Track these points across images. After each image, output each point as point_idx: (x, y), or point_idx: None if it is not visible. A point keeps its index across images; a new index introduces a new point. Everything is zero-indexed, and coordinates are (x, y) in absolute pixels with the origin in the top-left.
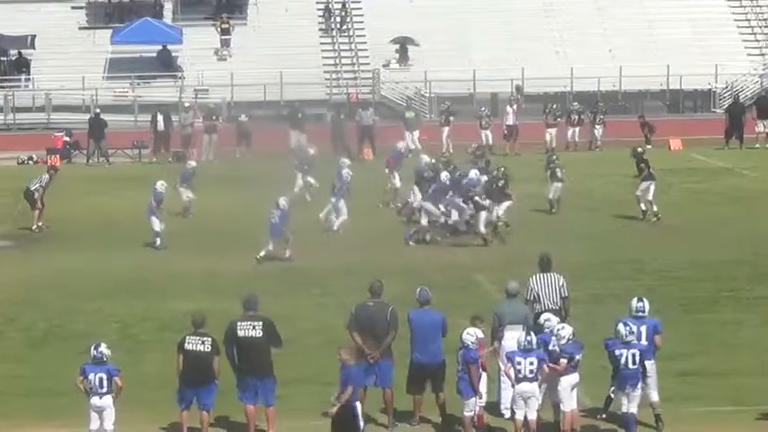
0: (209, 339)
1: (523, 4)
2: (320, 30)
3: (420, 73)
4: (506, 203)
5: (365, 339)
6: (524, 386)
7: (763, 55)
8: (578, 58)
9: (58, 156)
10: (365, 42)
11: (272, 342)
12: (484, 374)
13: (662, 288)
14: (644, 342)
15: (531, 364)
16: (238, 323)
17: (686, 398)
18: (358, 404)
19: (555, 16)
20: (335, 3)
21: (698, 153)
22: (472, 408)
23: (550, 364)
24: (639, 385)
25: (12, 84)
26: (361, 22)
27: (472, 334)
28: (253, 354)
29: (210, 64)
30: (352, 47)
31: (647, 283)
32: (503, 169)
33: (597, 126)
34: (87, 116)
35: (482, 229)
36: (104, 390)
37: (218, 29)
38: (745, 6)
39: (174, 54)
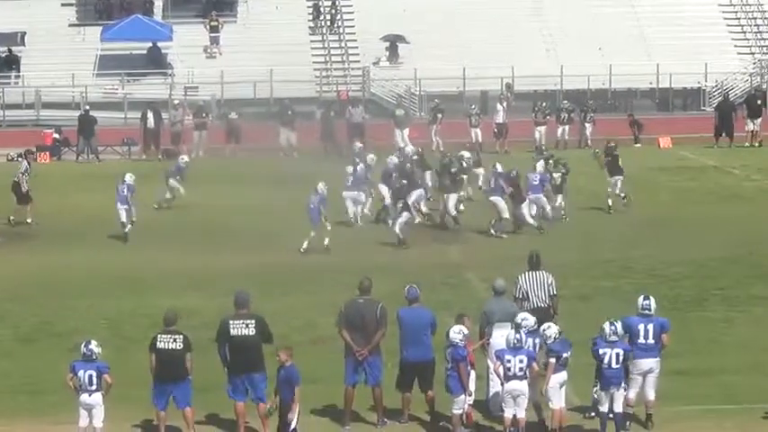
0: (181, 337)
1: (514, 3)
2: (310, 27)
3: (410, 71)
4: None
5: (354, 337)
6: (514, 384)
7: (752, 53)
8: (568, 57)
9: (47, 153)
10: (355, 40)
11: (264, 339)
12: (472, 372)
13: (651, 286)
14: (651, 341)
15: (521, 362)
16: (231, 321)
17: (675, 396)
18: (295, 408)
19: (545, 14)
20: (325, 0)
21: (687, 151)
22: (461, 405)
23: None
24: (622, 385)
25: (1, 81)
26: (352, 19)
27: (459, 332)
28: (246, 352)
29: (200, 61)
30: (342, 44)
31: (635, 282)
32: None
33: (587, 124)
34: (77, 113)
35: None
36: (94, 387)
37: (208, 26)
38: (734, 5)
39: (163, 51)
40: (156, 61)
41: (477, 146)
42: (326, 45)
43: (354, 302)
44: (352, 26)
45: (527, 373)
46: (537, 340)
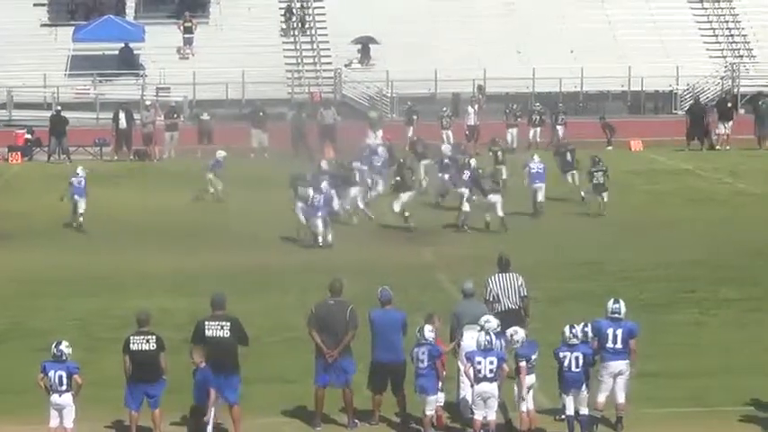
0: (154, 337)
1: (485, 5)
2: (282, 29)
3: (382, 73)
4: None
5: (324, 338)
6: (484, 386)
7: (724, 57)
8: (540, 59)
9: (19, 153)
10: (327, 41)
11: (239, 341)
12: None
13: (621, 289)
14: (619, 345)
15: (491, 363)
16: (207, 323)
17: (646, 399)
18: (212, 410)
19: (516, 17)
20: (297, 2)
21: (658, 154)
22: (434, 406)
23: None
24: (584, 388)
25: None
26: (323, 21)
27: (432, 330)
28: (220, 353)
29: (172, 62)
30: (314, 46)
31: (606, 284)
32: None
33: (558, 126)
34: (49, 114)
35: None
36: (64, 387)
37: (181, 27)
38: (706, 8)
39: (136, 52)
40: (128, 62)
41: (419, 139)
42: (298, 47)
43: (325, 304)
44: (324, 28)
45: (497, 375)
46: (503, 341)
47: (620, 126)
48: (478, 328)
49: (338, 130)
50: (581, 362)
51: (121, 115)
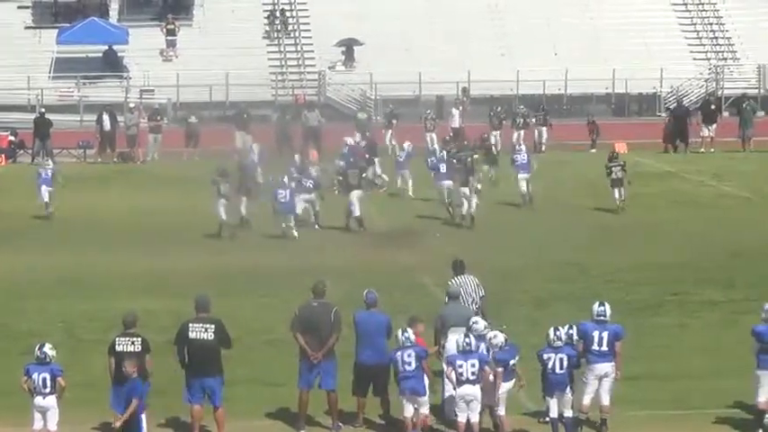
0: (139, 339)
1: (469, 7)
2: (266, 31)
3: (366, 75)
4: None
5: (308, 340)
6: (466, 389)
7: (708, 59)
8: (524, 61)
9: (2, 156)
10: (311, 44)
11: (222, 344)
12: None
13: (605, 291)
14: (605, 348)
15: (473, 366)
16: (190, 324)
17: (629, 401)
18: (143, 416)
19: (501, 19)
20: (281, 4)
21: (642, 156)
22: (428, 407)
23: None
24: (567, 390)
25: None
26: (307, 23)
27: (411, 333)
28: (203, 356)
29: (156, 65)
30: (298, 48)
31: (590, 286)
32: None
33: (542, 128)
34: (33, 116)
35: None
36: (48, 390)
37: (164, 30)
38: (690, 11)
39: (119, 54)
40: (112, 64)
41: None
42: (282, 49)
43: (309, 306)
44: (308, 30)
45: (479, 378)
46: (484, 344)
47: (605, 128)
48: (464, 330)
49: (323, 133)
50: (565, 364)
51: (105, 117)
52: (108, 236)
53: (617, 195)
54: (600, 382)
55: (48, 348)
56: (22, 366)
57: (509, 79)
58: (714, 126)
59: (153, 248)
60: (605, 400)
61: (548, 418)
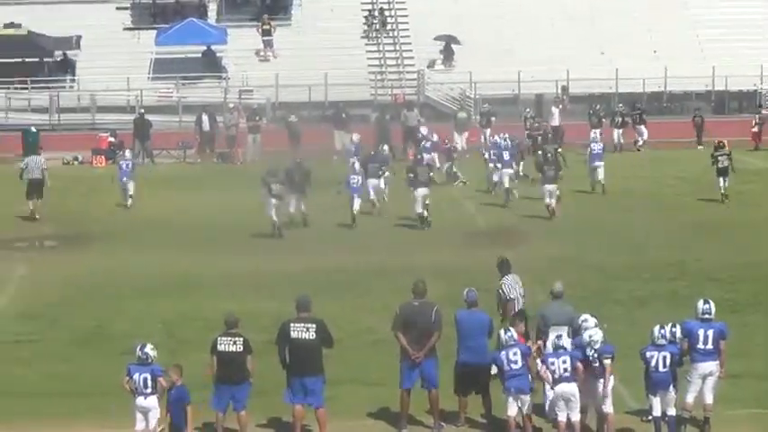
0: (241, 339)
1: (568, 5)
2: (364, 30)
3: (465, 74)
4: None
5: (410, 340)
6: (563, 387)
7: None
8: (623, 60)
9: (102, 156)
10: (410, 42)
11: (324, 343)
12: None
13: (706, 290)
14: (710, 346)
15: (564, 362)
16: (292, 324)
17: (730, 400)
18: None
19: (600, 17)
20: (380, 3)
21: (744, 154)
22: (530, 405)
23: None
24: (671, 388)
25: (57, 85)
26: (406, 22)
27: (514, 331)
28: (305, 355)
29: (255, 65)
30: (397, 47)
31: (690, 285)
32: None
33: (640, 127)
34: (132, 117)
35: None
36: (149, 390)
37: (260, 30)
38: None
39: (218, 55)
40: (210, 65)
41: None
42: (381, 48)
43: (410, 305)
44: (407, 29)
45: (573, 375)
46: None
47: (706, 126)
48: (566, 329)
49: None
50: (668, 362)
51: (204, 118)
52: (207, 235)
53: (721, 184)
54: (704, 381)
55: (149, 349)
56: (122, 367)
57: (608, 77)
58: None
59: (251, 248)
60: (709, 399)
61: (650, 417)
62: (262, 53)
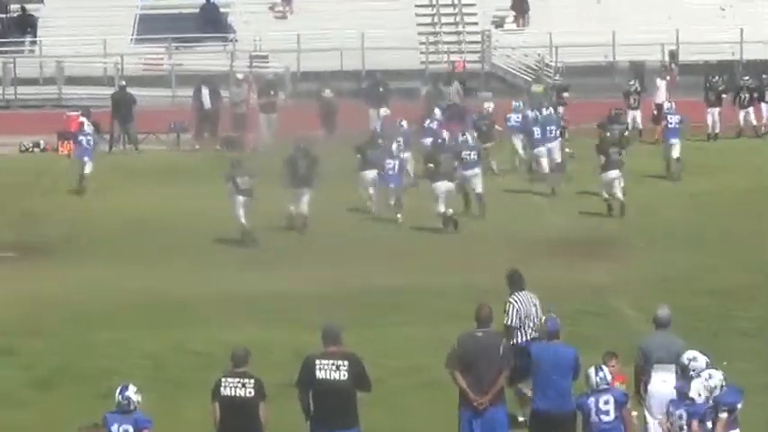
0: (252, 381)
1: None
2: None
3: (543, 35)
4: None
5: (471, 381)
6: None
7: None
8: (749, 19)
9: (71, 141)
10: None
11: (358, 385)
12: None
13: None
14: None
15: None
16: (318, 361)
17: None
18: None
19: None
20: None
21: None
22: None
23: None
24: None
25: (13, 48)
26: None
27: (607, 371)
28: (334, 401)
29: (269, 23)
30: (455, 1)
31: None
32: None
33: (761, 105)
34: (110, 91)
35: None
36: None
37: None
38: None
39: (222, 10)
40: (212, 23)
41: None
42: (435, 2)
43: (472, 336)
44: None
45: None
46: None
47: None
48: (672, 367)
49: (466, 110)
50: None
51: (204, 92)
52: (203, 246)
53: None
54: None
55: (131, 392)
56: (97, 415)
57: (730, 41)
58: None
59: (261, 262)
60: None
61: None
62: (278, 8)
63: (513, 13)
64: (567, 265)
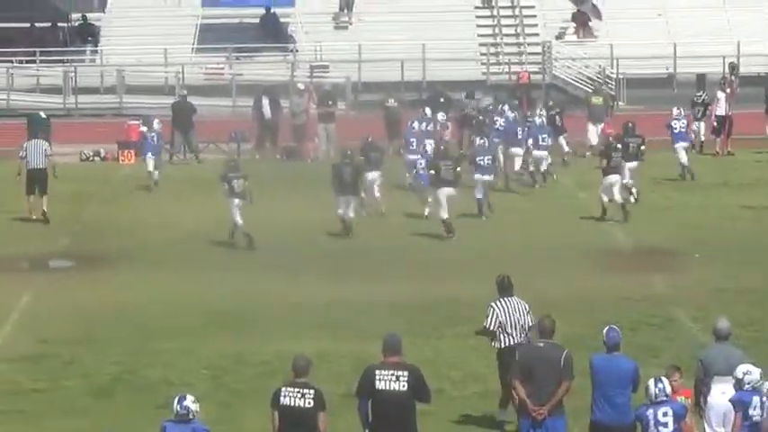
0: (312, 392)
1: None
2: None
3: (604, 47)
4: None
5: (531, 391)
6: None
7: None
8: None
9: (131, 151)
10: (533, 6)
11: (418, 396)
12: None
13: None
14: None
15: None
16: (378, 371)
17: None
18: None
19: None
20: None
21: None
22: None
23: None
24: None
25: (74, 57)
26: None
27: (667, 384)
28: (394, 412)
29: (329, 33)
30: (516, 11)
31: None
32: None
33: None
34: (171, 100)
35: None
36: None
37: None
38: None
39: (282, 20)
40: (272, 32)
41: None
42: (496, 13)
43: (532, 347)
44: None
45: None
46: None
47: None
48: (731, 380)
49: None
50: None
51: (264, 102)
52: (264, 255)
53: None
54: None
55: (190, 402)
56: (156, 425)
57: None
58: None
59: (324, 272)
60: None
61: None
62: (341, 19)
63: (574, 24)
64: (627, 275)
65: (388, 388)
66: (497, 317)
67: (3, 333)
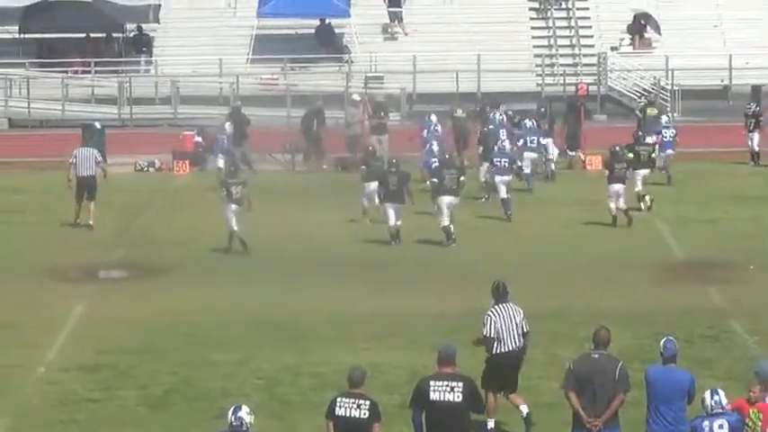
0: (368, 403)
1: None
2: (531, 1)
3: (659, 59)
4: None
5: (585, 402)
6: None
7: None
8: None
9: (186, 161)
10: (588, 17)
11: (472, 407)
12: None
13: None
14: None
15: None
16: (432, 382)
17: None
18: None
19: None
20: None
21: None
22: None
23: None
24: None
25: (129, 68)
26: None
27: (723, 396)
28: (448, 422)
29: (384, 44)
30: (572, 23)
31: None
32: None
33: None
34: (225, 110)
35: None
36: None
37: (386, 0)
38: None
39: (337, 31)
40: (327, 43)
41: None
42: (552, 24)
43: (587, 358)
44: (585, 1)
45: None
46: None
47: None
48: None
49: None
50: None
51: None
52: (318, 267)
53: None
54: None
55: (244, 413)
56: None
57: None
58: None
59: (378, 284)
60: None
61: None
62: (393, 29)
63: (630, 36)
64: (681, 286)
65: (442, 399)
66: (494, 324)
67: (58, 342)
